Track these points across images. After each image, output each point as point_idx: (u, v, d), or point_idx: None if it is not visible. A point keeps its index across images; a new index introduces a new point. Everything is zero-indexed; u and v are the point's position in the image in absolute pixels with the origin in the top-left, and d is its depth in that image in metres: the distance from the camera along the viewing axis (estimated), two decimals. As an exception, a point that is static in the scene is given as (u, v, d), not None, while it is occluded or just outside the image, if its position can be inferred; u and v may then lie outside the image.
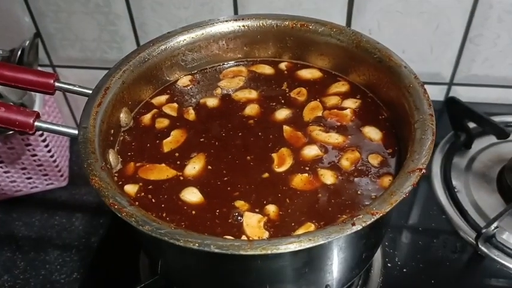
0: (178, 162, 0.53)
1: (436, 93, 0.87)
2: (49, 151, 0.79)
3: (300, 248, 0.38)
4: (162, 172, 0.52)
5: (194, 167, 0.52)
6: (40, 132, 0.76)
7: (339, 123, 0.56)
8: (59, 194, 0.84)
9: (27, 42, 0.80)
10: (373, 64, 0.57)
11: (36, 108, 0.75)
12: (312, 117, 0.58)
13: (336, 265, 0.47)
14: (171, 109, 0.60)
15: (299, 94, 0.61)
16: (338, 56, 0.61)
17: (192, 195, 0.49)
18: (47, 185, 0.83)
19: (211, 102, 0.60)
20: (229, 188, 0.50)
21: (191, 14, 0.81)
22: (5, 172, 0.79)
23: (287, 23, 0.62)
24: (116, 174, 0.52)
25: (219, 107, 0.60)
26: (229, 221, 0.46)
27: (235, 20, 0.62)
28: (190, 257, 0.47)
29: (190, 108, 0.60)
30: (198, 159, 0.53)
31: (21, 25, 0.85)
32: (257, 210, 0.47)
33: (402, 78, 0.53)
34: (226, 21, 0.62)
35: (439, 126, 0.84)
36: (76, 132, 0.48)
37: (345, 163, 0.52)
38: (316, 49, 0.63)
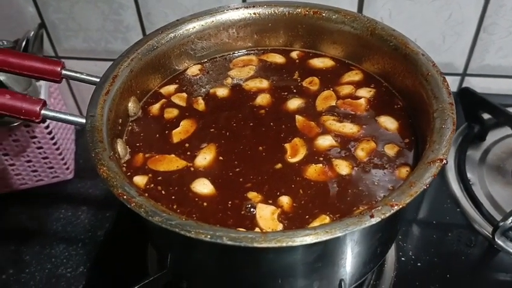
0: (188, 153, 0.52)
1: (449, 84, 0.85)
2: (55, 143, 0.78)
3: (316, 241, 0.37)
4: (171, 163, 0.51)
5: (205, 157, 0.51)
6: (46, 124, 0.75)
7: (353, 113, 0.55)
8: (65, 187, 0.83)
9: (32, 33, 0.79)
10: (388, 52, 0.56)
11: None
12: (325, 106, 0.56)
13: (350, 259, 0.46)
14: (180, 99, 0.59)
15: (311, 83, 0.59)
16: (351, 44, 0.60)
17: (203, 187, 0.48)
18: (53, 178, 0.82)
19: (221, 92, 0.59)
20: (241, 179, 0.49)
21: (197, 3, 0.79)
22: (10, 165, 0.78)
23: (299, 10, 0.61)
24: (125, 165, 0.50)
25: (229, 96, 0.59)
26: (242, 212, 0.46)
27: (246, 8, 0.61)
28: (200, 250, 0.45)
29: (200, 98, 0.58)
30: (208, 150, 0.52)
31: (25, 15, 0.83)
32: (270, 201, 0.46)
33: (419, 66, 0.52)
34: (237, 8, 0.61)
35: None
36: (83, 120, 0.47)
37: (361, 153, 0.50)
38: (328, 37, 0.62)
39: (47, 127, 0.76)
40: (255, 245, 0.36)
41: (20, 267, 0.71)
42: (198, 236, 0.37)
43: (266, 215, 0.45)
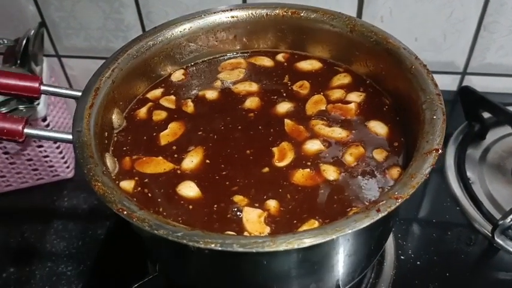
0: (175, 156, 0.51)
1: (449, 83, 0.85)
2: (55, 142, 0.77)
3: (327, 239, 0.36)
4: (159, 165, 0.50)
5: (192, 160, 0.50)
6: (46, 122, 0.75)
7: (343, 118, 0.55)
8: (65, 186, 0.83)
9: (32, 31, 0.78)
10: (370, 48, 0.56)
11: (42, 99, 0.73)
12: (315, 111, 0.56)
13: (347, 258, 0.46)
14: (168, 101, 0.58)
15: (302, 87, 0.59)
16: (334, 42, 0.60)
17: (189, 190, 0.47)
18: (53, 176, 0.82)
19: (211, 94, 0.59)
20: (227, 183, 0.48)
21: (198, 2, 0.79)
22: (11, 163, 0.78)
23: (277, 11, 0.60)
24: (114, 177, 0.49)
25: (219, 99, 0.58)
26: (228, 216, 0.45)
27: (223, 11, 0.60)
28: (191, 256, 0.45)
29: (189, 100, 0.58)
30: (195, 153, 0.51)
31: (26, 14, 0.83)
32: (257, 205, 0.46)
33: (402, 60, 0.52)
34: (215, 12, 0.60)
35: (452, 116, 0.82)
36: (70, 137, 0.46)
37: (349, 158, 0.50)
38: (311, 37, 0.61)
39: (48, 126, 0.76)
40: (267, 249, 0.36)
41: (20, 266, 0.71)
42: (208, 246, 0.36)
43: (253, 218, 0.44)
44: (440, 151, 0.42)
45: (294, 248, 0.36)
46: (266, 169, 0.49)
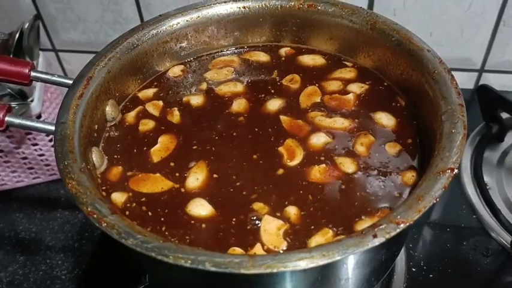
0: (177, 174, 0.48)
1: (466, 81, 0.84)
2: (50, 140, 0.75)
3: (311, 266, 0.34)
4: (157, 183, 0.47)
5: (197, 178, 0.47)
6: (41, 119, 0.72)
7: (341, 109, 0.52)
8: (62, 185, 0.80)
9: (27, 24, 0.76)
10: (390, 48, 0.53)
11: (36, 96, 0.71)
12: (309, 103, 0.54)
13: (349, 280, 0.43)
14: (154, 107, 0.55)
15: (292, 81, 0.57)
16: (349, 39, 0.57)
17: (201, 209, 0.44)
18: (50, 175, 0.80)
19: (196, 100, 0.56)
20: (244, 193, 0.45)
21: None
22: (5, 162, 0.76)
23: (293, 3, 0.58)
24: (100, 177, 0.47)
25: (204, 105, 0.55)
26: (248, 227, 0.42)
27: (235, 1, 0.58)
28: (182, 271, 0.41)
29: (176, 109, 0.55)
30: (199, 169, 0.48)
31: (21, 6, 0.81)
32: (278, 214, 0.43)
33: (425, 63, 0.49)
34: (225, 2, 0.58)
35: (469, 117, 0.77)
36: (53, 128, 0.44)
37: (360, 148, 0.48)
38: (324, 32, 0.59)
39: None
40: (242, 271, 0.33)
41: (14, 269, 0.69)
42: (177, 262, 0.34)
43: (271, 229, 0.42)
44: (455, 171, 0.39)
45: (274, 272, 0.33)
46: (281, 170, 0.47)
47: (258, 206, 0.44)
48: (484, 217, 0.64)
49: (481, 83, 0.81)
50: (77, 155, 0.42)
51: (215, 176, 0.47)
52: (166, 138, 0.51)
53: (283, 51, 0.61)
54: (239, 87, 0.56)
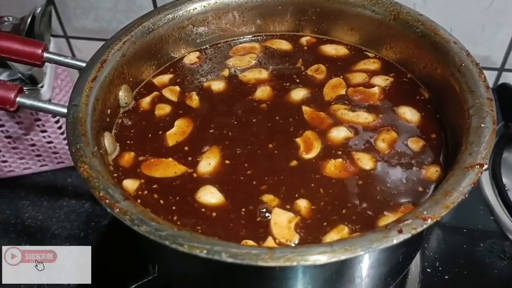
0: (189, 158, 0.47)
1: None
2: (60, 127, 0.74)
3: (333, 260, 0.32)
4: (169, 168, 0.46)
5: (209, 163, 0.46)
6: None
7: (365, 103, 0.51)
8: (70, 174, 0.80)
9: (39, 9, 0.75)
10: (414, 39, 0.52)
11: (46, 81, 0.71)
12: (334, 96, 0.52)
13: (367, 277, 0.42)
14: (171, 93, 0.54)
15: (317, 71, 0.55)
16: (371, 30, 0.56)
17: (210, 196, 0.43)
18: (57, 163, 0.80)
19: (217, 85, 0.55)
20: (254, 182, 0.44)
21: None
22: (13, 148, 0.75)
23: None
24: (112, 163, 0.46)
25: (226, 90, 0.54)
26: (258, 219, 0.41)
27: None
28: (194, 262, 0.41)
29: (194, 93, 0.54)
30: (212, 154, 0.47)
31: (33, -9, 0.79)
32: (288, 206, 0.42)
33: (451, 55, 0.48)
34: None
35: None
36: (65, 110, 0.43)
37: (382, 145, 0.47)
38: (345, 22, 0.58)
39: (52, 110, 0.72)
40: (260, 263, 0.32)
41: (19, 257, 0.68)
42: (192, 251, 0.33)
43: (282, 222, 0.41)
44: (485, 166, 0.38)
45: (294, 265, 0.32)
46: (294, 162, 0.46)
47: (267, 198, 0.43)
48: (502, 219, 0.62)
49: (500, 81, 0.79)
50: (90, 138, 0.41)
51: (227, 162, 0.46)
52: (182, 121, 0.50)
53: (304, 40, 0.60)
54: (264, 74, 0.55)
